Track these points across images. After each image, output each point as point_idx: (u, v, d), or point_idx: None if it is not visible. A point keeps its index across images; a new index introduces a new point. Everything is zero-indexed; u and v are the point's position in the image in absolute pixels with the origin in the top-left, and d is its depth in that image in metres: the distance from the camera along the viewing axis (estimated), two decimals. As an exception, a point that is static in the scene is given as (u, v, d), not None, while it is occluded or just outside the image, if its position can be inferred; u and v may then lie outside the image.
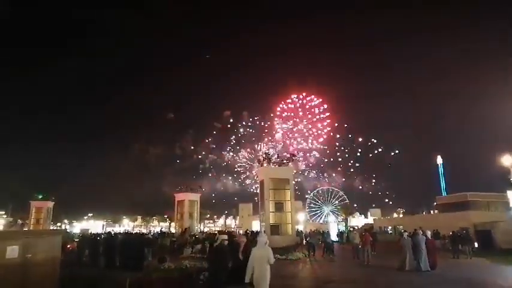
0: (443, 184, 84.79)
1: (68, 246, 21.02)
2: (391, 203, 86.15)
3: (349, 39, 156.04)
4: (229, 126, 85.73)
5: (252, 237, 14.73)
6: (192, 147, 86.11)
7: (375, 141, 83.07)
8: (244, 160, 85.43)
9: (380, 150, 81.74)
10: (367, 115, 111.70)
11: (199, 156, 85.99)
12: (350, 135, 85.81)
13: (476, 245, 24.39)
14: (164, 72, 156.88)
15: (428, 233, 16.67)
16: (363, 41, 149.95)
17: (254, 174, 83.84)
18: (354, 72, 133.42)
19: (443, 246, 25.24)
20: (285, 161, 26.42)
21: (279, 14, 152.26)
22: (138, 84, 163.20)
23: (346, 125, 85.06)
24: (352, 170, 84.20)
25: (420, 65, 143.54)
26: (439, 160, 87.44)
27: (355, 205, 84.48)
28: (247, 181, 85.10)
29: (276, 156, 27.04)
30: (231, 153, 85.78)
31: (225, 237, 10.32)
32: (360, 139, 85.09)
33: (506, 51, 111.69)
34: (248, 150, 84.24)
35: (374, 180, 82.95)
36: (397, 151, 79.96)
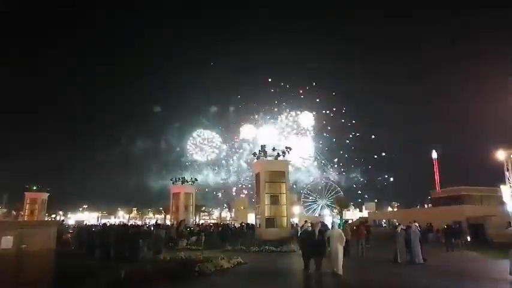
0: (437, 178, 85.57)
1: (63, 237, 21.01)
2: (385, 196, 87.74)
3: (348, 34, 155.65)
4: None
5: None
6: (180, 141, 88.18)
7: (373, 136, 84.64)
8: (224, 154, 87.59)
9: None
10: (361, 108, 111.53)
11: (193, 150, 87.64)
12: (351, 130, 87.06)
13: (468, 238, 24.67)
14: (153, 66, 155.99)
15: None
16: (359, 38, 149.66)
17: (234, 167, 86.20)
18: (349, 67, 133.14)
19: (437, 240, 25.52)
20: (280, 154, 26.41)
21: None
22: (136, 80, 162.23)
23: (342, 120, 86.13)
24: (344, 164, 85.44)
25: (416, 59, 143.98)
26: (434, 155, 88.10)
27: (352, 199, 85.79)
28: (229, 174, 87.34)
29: (272, 149, 26.99)
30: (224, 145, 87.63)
31: (309, 224, 14.36)
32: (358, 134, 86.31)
33: (503, 45, 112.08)
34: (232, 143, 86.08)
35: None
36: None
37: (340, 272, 11.83)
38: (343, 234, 12.64)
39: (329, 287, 11.38)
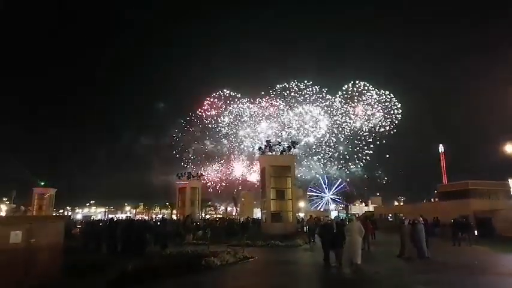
0: (444, 172, 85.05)
1: (71, 232, 21.22)
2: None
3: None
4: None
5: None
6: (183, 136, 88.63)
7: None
8: (226, 149, 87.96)
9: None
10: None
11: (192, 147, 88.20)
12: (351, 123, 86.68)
13: (476, 232, 24.46)
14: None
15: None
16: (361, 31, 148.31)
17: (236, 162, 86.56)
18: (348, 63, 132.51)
19: (444, 234, 25.31)
20: (286, 149, 26.39)
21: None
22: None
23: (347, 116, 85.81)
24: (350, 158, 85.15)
25: (423, 54, 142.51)
26: (441, 148, 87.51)
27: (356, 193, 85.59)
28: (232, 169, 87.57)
29: (277, 143, 26.99)
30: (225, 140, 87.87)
31: (329, 219, 15.43)
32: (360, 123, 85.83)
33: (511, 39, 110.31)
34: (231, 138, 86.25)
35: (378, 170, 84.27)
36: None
37: (359, 261, 12.42)
38: (362, 227, 13.49)
39: (336, 279, 11.36)
